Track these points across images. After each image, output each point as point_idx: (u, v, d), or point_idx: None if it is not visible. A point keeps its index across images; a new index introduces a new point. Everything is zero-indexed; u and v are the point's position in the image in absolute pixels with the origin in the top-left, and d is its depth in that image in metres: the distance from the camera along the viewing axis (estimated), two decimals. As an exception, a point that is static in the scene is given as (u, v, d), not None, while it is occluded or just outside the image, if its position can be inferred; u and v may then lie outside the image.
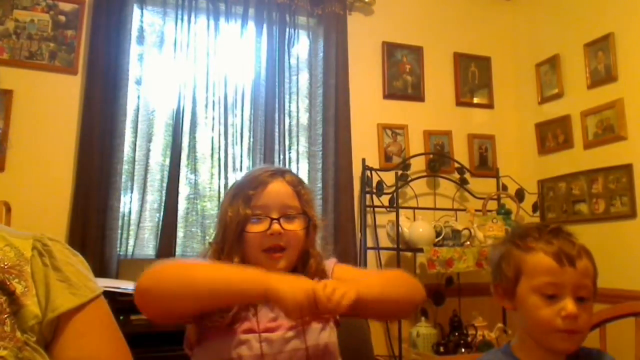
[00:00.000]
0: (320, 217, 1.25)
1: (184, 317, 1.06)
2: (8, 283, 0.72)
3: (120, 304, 1.95)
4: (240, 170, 2.74)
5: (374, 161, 3.01)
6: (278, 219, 1.12)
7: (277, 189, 1.16)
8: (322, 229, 1.25)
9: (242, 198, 1.14)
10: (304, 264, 1.18)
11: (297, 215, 1.15)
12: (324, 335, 1.12)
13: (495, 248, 1.08)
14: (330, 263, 1.24)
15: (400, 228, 2.72)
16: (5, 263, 0.73)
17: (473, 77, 3.39)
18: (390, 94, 3.16)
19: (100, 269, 2.37)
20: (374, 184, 2.91)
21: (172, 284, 1.00)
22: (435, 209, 3.06)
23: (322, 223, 1.25)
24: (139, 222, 2.55)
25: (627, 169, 2.62)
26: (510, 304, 1.01)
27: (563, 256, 0.94)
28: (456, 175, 3.18)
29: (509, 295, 1.00)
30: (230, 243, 1.13)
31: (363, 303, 1.00)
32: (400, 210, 2.78)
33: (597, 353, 1.03)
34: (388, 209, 2.90)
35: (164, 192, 2.60)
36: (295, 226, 1.14)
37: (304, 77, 2.99)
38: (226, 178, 2.70)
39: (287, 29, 2.92)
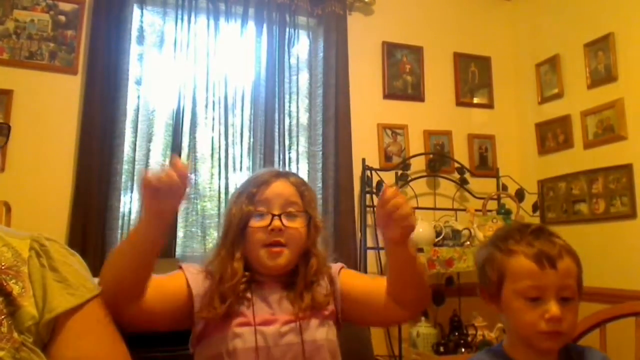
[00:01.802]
0: (321, 219, 1.26)
1: (137, 290, 1.04)
2: (5, 284, 0.72)
3: (120, 304, 1.96)
4: (240, 170, 2.74)
5: (374, 161, 3.01)
6: (279, 216, 1.14)
7: (280, 187, 1.18)
8: (324, 229, 1.26)
9: (245, 195, 1.17)
10: (305, 263, 1.18)
11: (298, 214, 1.17)
12: (322, 331, 1.12)
13: (480, 250, 1.08)
14: (337, 267, 1.24)
15: (400, 228, 2.71)
16: (3, 264, 0.73)
17: (473, 77, 3.39)
18: (390, 94, 3.16)
19: (100, 269, 2.36)
20: (374, 184, 2.90)
21: (109, 271, 1.04)
22: (435, 209, 3.05)
23: (323, 224, 1.25)
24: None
25: (627, 169, 2.61)
26: (496, 306, 1.01)
27: (543, 258, 0.94)
28: (456, 175, 3.17)
29: (495, 298, 1.01)
30: (232, 238, 1.15)
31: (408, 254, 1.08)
32: (400, 210, 2.77)
33: (588, 350, 1.03)
34: (388, 209, 2.89)
35: (163, 192, 2.60)
36: (297, 224, 1.16)
37: (304, 77, 2.99)
38: (226, 178, 2.70)
39: (287, 29, 2.92)
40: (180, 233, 2.63)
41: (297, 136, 2.91)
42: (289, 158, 2.85)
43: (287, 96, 2.88)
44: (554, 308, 0.91)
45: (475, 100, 3.39)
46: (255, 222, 1.14)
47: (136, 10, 2.68)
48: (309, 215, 1.19)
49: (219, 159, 2.71)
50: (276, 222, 1.13)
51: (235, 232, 1.15)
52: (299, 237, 1.16)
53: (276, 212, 1.14)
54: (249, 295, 1.12)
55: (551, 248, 0.95)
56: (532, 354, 0.97)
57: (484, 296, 1.04)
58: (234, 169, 2.73)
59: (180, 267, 1.17)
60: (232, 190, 2.69)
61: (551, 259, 0.94)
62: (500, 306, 1.00)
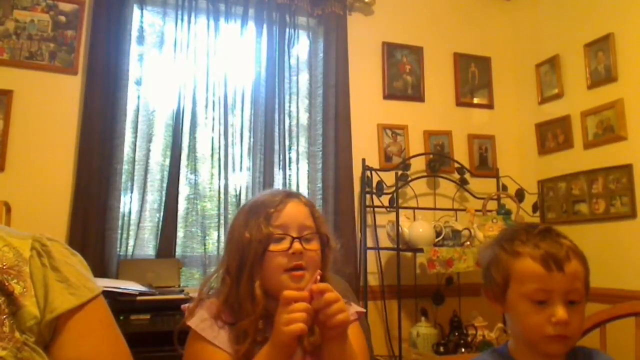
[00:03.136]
0: (334, 239, 1.21)
1: None
2: (7, 284, 0.72)
3: (120, 304, 1.96)
4: (240, 170, 2.75)
5: (374, 161, 3.01)
6: (299, 239, 1.10)
7: (296, 209, 1.14)
8: (335, 249, 1.20)
9: (263, 216, 1.11)
10: None
11: (313, 236, 1.13)
12: None
13: (485, 250, 1.06)
14: (352, 312, 1.17)
15: (400, 228, 2.72)
16: (4, 263, 0.73)
17: (473, 77, 3.39)
18: (390, 94, 3.16)
19: (100, 269, 2.37)
20: (374, 184, 2.91)
21: None
22: (435, 209, 3.06)
23: (336, 246, 1.20)
24: (139, 222, 2.55)
25: (627, 169, 2.62)
26: (502, 307, 1.00)
27: (551, 261, 0.92)
28: (456, 176, 3.18)
29: (499, 299, 0.99)
30: (251, 264, 1.08)
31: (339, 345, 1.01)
32: (400, 211, 2.77)
33: (595, 353, 1.02)
34: (388, 209, 2.90)
35: (164, 192, 2.60)
36: (313, 246, 1.12)
37: (304, 78, 2.99)
38: (226, 178, 2.70)
39: (287, 30, 2.92)
40: (180, 233, 2.63)
41: (297, 136, 2.91)
42: (289, 158, 2.86)
43: (287, 96, 2.88)
44: (560, 312, 0.90)
45: (475, 101, 3.39)
46: (275, 246, 1.09)
47: (136, 11, 2.68)
48: (325, 237, 1.15)
49: (219, 159, 2.71)
50: (297, 245, 1.08)
51: (255, 256, 1.08)
52: (317, 259, 1.12)
53: (294, 235, 1.10)
54: (264, 337, 1.05)
55: (558, 250, 0.93)
56: (537, 357, 0.95)
57: (489, 297, 1.02)
58: (234, 169, 2.73)
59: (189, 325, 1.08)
60: (232, 190, 2.70)
61: (558, 261, 0.92)
62: (505, 307, 0.98)
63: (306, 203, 1.18)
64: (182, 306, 1.14)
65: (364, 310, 1.23)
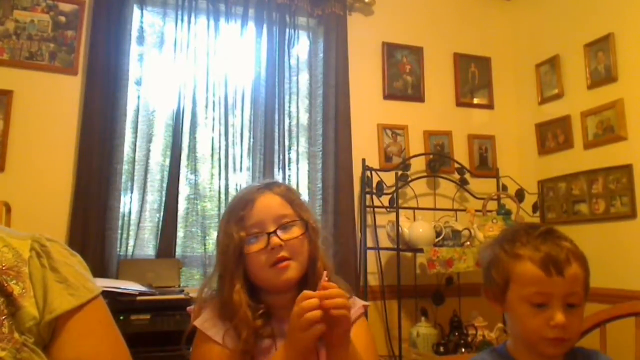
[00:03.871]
0: (318, 220, 1.21)
1: None
2: (6, 284, 0.71)
3: (120, 304, 1.97)
4: (240, 170, 2.75)
5: (374, 161, 3.01)
6: (275, 232, 1.08)
7: (267, 202, 1.12)
8: (323, 230, 1.20)
9: (234, 221, 1.11)
10: (313, 272, 1.13)
11: (293, 223, 1.12)
12: None
13: (485, 251, 1.06)
14: (357, 309, 1.16)
15: (400, 228, 2.72)
16: (3, 264, 0.73)
17: (473, 77, 3.39)
18: (390, 94, 3.16)
19: (100, 269, 2.37)
20: (374, 184, 2.91)
21: None
22: (435, 209, 3.06)
23: (319, 225, 1.19)
24: (139, 222, 2.55)
25: (627, 169, 2.62)
26: (501, 307, 1.00)
27: (551, 265, 0.92)
28: (456, 176, 3.18)
29: (499, 300, 0.99)
30: (230, 270, 1.08)
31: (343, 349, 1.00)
32: (400, 211, 2.77)
33: (594, 354, 1.02)
34: (388, 209, 2.90)
35: (164, 192, 2.60)
36: (294, 233, 1.10)
37: (304, 78, 2.99)
38: (226, 178, 2.70)
39: (287, 30, 2.92)
40: (180, 233, 2.63)
41: (297, 136, 2.91)
42: (289, 158, 2.86)
43: (287, 96, 2.88)
44: (559, 315, 0.90)
45: (475, 101, 3.39)
46: (252, 247, 1.09)
47: (136, 11, 2.68)
48: (305, 221, 1.14)
49: (219, 159, 2.71)
50: (274, 240, 1.07)
51: (233, 262, 1.09)
52: (301, 246, 1.11)
53: (271, 229, 1.09)
54: (269, 332, 1.07)
55: (559, 253, 0.93)
56: (536, 357, 0.96)
57: (488, 296, 1.03)
58: (234, 170, 2.74)
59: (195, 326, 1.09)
60: (232, 190, 2.70)
61: (558, 265, 0.92)
62: (505, 308, 0.99)
63: (279, 192, 1.16)
64: (188, 308, 1.16)
65: (368, 304, 1.23)
